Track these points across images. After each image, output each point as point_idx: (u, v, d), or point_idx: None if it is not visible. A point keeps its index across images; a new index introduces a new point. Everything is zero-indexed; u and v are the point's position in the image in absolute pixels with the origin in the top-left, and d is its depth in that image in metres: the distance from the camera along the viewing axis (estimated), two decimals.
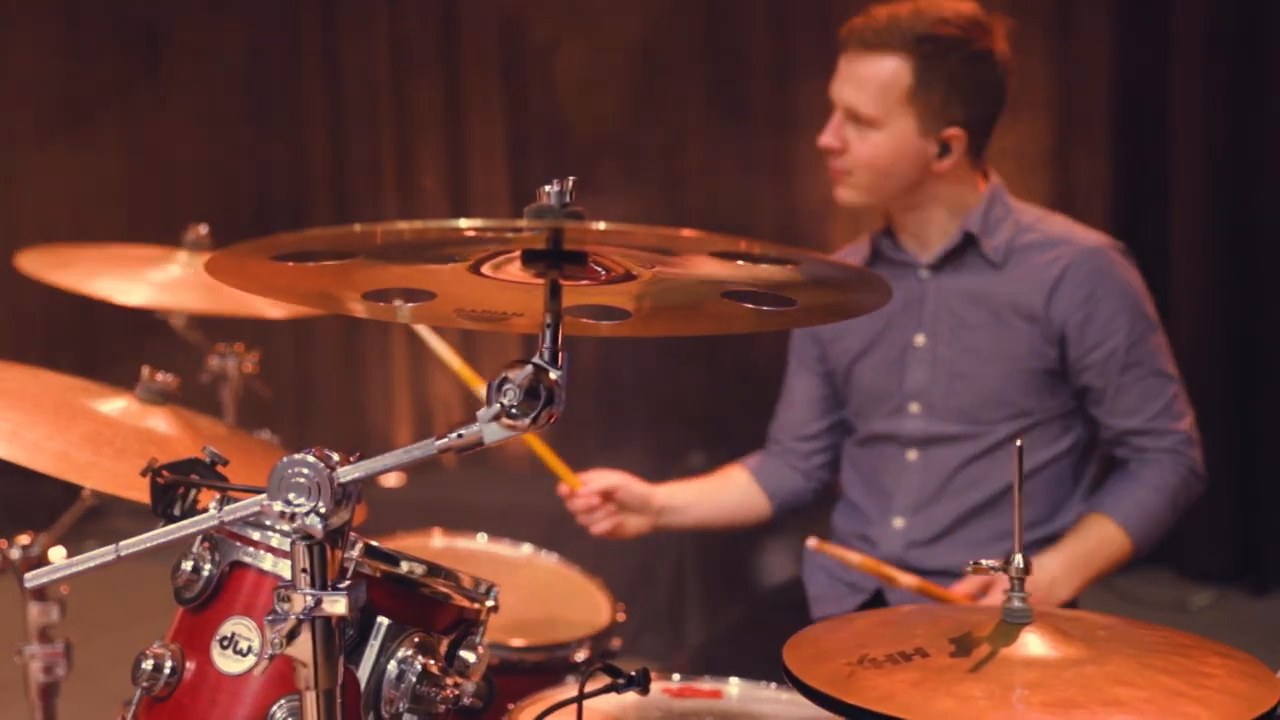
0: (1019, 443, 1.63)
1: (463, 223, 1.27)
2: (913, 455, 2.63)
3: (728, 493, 2.85)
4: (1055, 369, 2.54)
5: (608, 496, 2.65)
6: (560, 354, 1.36)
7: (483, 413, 1.34)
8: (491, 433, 1.35)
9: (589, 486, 2.63)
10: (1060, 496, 2.60)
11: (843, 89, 2.55)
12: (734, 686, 2.16)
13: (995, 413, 2.55)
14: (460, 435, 1.35)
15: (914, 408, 2.61)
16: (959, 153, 2.53)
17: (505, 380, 1.33)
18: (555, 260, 1.39)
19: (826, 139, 2.59)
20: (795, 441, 2.84)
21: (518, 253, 1.41)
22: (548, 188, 1.34)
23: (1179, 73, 5.11)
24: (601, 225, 1.27)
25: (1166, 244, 5.12)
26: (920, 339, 2.61)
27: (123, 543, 1.43)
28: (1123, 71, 5.21)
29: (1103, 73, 5.22)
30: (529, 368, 1.33)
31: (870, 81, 2.50)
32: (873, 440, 2.68)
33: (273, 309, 2.77)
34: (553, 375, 1.34)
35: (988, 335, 2.56)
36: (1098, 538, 2.50)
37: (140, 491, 1.82)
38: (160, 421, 2.35)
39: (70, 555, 1.58)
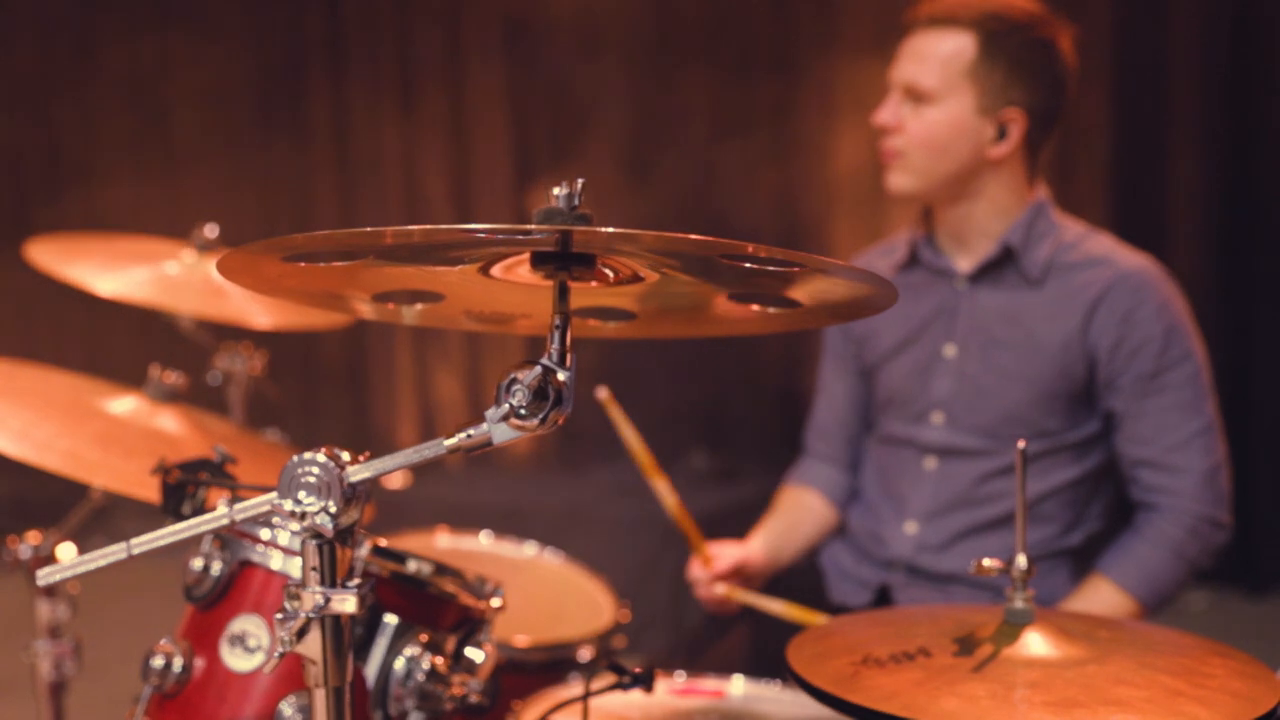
0: (1021, 444, 1.64)
1: (472, 225, 1.29)
2: (931, 463, 2.61)
3: (808, 522, 2.80)
4: (1082, 393, 2.50)
5: (737, 573, 2.62)
6: (568, 355, 1.38)
7: (491, 413, 1.35)
8: (500, 433, 1.36)
9: (719, 566, 2.58)
10: (1072, 518, 2.56)
11: (903, 66, 2.56)
12: (738, 685, 2.17)
13: (1016, 431, 2.51)
14: (469, 435, 1.36)
15: (936, 418, 2.60)
16: (1015, 139, 2.51)
17: (514, 381, 1.34)
18: (564, 262, 1.40)
19: (883, 116, 2.57)
20: (843, 445, 2.82)
21: (526, 255, 1.42)
22: (556, 190, 1.35)
23: (1178, 73, 5.13)
24: (610, 230, 1.28)
25: (1164, 242, 5.13)
26: (949, 350, 2.60)
27: (134, 540, 1.44)
28: (1121, 73, 5.22)
29: (1102, 77, 5.23)
30: (538, 369, 1.34)
31: (933, 55, 2.51)
32: (892, 441, 2.68)
33: (263, 319, 2.76)
34: (561, 376, 1.35)
35: (1017, 355, 2.53)
36: (1090, 600, 2.45)
37: (149, 490, 1.84)
38: (169, 420, 2.37)
39: (79, 554, 1.60)
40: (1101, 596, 2.45)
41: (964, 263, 2.61)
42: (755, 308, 1.58)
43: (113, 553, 1.46)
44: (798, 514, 2.82)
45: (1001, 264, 2.57)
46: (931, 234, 2.65)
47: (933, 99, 2.51)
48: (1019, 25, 2.50)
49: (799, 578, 2.77)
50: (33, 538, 2.37)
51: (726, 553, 2.61)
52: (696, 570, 2.60)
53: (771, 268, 1.37)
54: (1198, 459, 2.46)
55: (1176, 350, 2.47)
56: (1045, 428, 2.51)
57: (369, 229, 1.29)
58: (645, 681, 1.85)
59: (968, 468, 2.57)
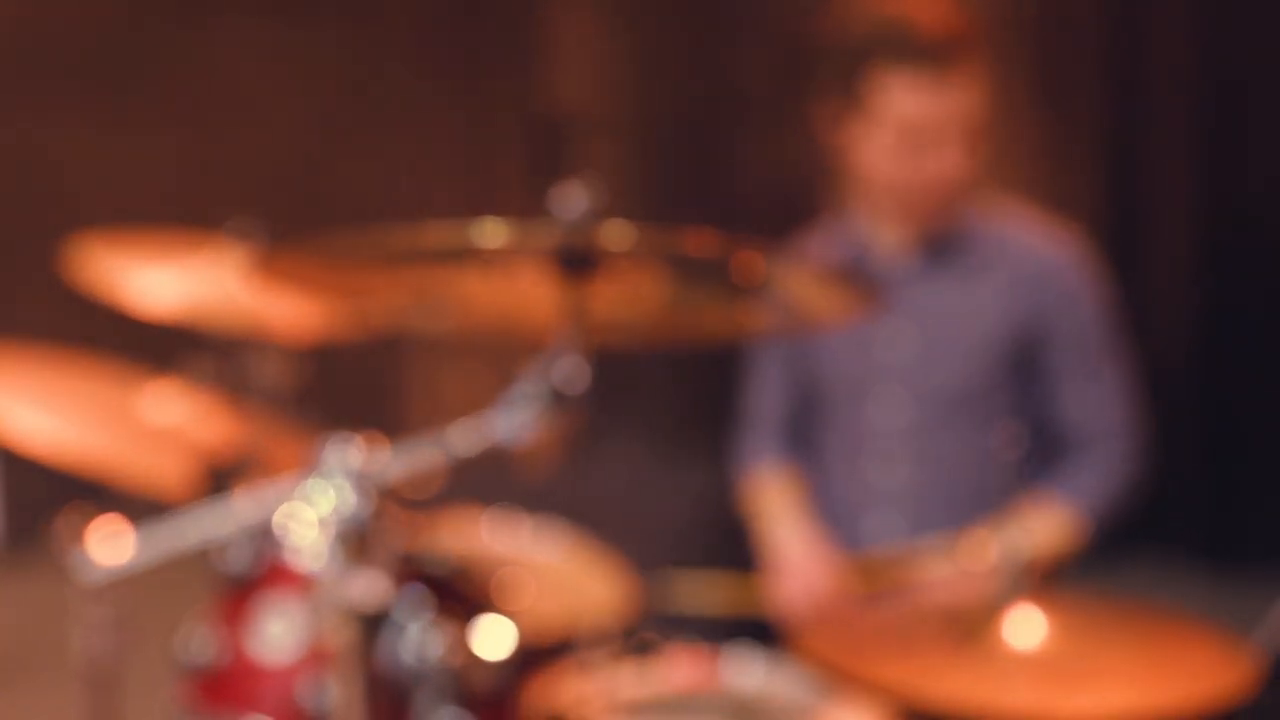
0: (1004, 435, 1.70)
1: (488, 230, 1.34)
2: (885, 446, 2.64)
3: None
4: (1019, 365, 2.57)
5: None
6: (583, 356, 1.43)
7: (507, 412, 1.41)
8: (516, 433, 1.41)
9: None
10: (1011, 489, 2.62)
11: (938, 102, 2.40)
12: (749, 668, 2.21)
13: (964, 406, 2.58)
14: (487, 435, 1.42)
15: (883, 398, 2.63)
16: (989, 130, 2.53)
17: (530, 381, 1.40)
18: (579, 264, 1.45)
19: (933, 168, 2.43)
20: (788, 423, 2.83)
21: (541, 257, 1.47)
22: (570, 192, 1.40)
23: (1162, 70, 5.15)
24: (623, 234, 1.33)
25: (1146, 218, 5.15)
26: (892, 328, 2.62)
27: (176, 533, 1.50)
28: (1110, 69, 5.24)
29: (1091, 71, 5.25)
30: (554, 369, 1.40)
31: (961, 78, 2.40)
32: (841, 431, 2.70)
33: (291, 319, 2.76)
34: (576, 377, 1.40)
35: (958, 328, 2.59)
36: (1040, 513, 2.51)
37: (182, 484, 1.91)
38: (201, 413, 2.42)
39: (123, 536, 1.65)
40: (1050, 510, 2.51)
41: (902, 239, 2.60)
42: (765, 310, 1.63)
43: (156, 546, 1.52)
44: (803, 494, 2.76)
45: (943, 241, 2.59)
46: (867, 216, 2.63)
47: (977, 133, 2.43)
48: (980, 30, 2.50)
49: None
50: (73, 521, 2.41)
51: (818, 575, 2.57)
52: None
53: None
54: (1125, 417, 2.59)
55: (1105, 322, 2.59)
56: (990, 402, 2.56)
57: (388, 232, 1.35)
58: (646, 647, 1.90)
59: (920, 447, 2.60)
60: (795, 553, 2.59)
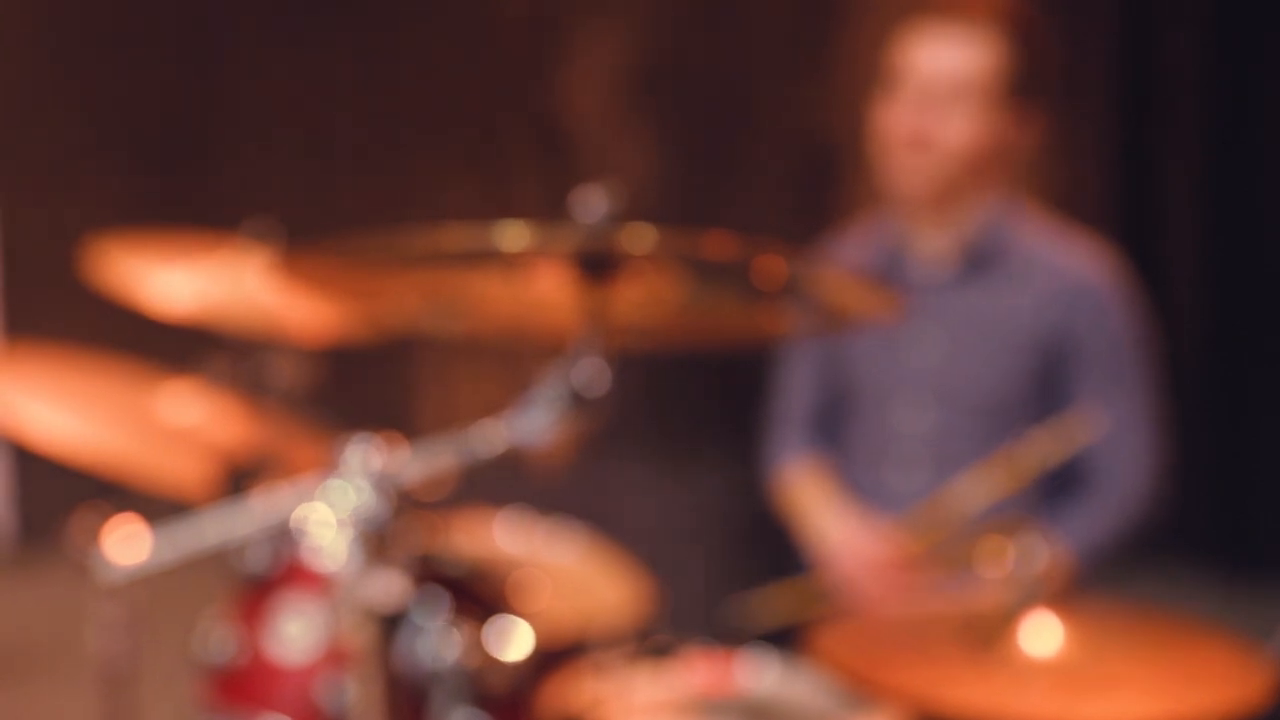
0: (1010, 441, 1.71)
1: (508, 233, 1.35)
2: (906, 450, 2.64)
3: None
4: (1044, 380, 2.55)
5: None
6: (604, 358, 1.43)
7: (526, 415, 1.41)
8: (538, 436, 1.42)
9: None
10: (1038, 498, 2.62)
11: (946, 58, 2.41)
12: (764, 670, 2.22)
13: (986, 415, 2.57)
14: (505, 437, 1.42)
15: (907, 402, 2.63)
16: (1029, 128, 2.51)
17: (550, 383, 1.41)
18: (599, 267, 1.46)
19: (930, 126, 2.43)
20: (817, 425, 2.83)
21: (562, 260, 1.47)
22: (589, 195, 1.41)
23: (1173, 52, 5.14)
24: (644, 236, 1.33)
25: (1157, 224, 5.14)
26: (921, 332, 2.62)
27: (194, 533, 1.51)
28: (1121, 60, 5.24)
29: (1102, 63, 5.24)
30: (574, 372, 1.40)
31: (979, 44, 2.41)
32: (865, 434, 2.69)
33: (304, 320, 2.77)
34: (596, 380, 1.41)
35: (987, 337, 2.58)
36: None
37: (199, 484, 1.92)
38: (219, 413, 2.43)
39: (134, 545, 1.66)
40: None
41: (939, 246, 2.61)
42: (789, 310, 1.63)
43: (175, 546, 1.53)
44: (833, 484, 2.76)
45: (975, 250, 2.58)
46: (900, 217, 2.62)
47: (982, 97, 2.43)
48: (1025, 17, 2.49)
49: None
50: (90, 521, 2.42)
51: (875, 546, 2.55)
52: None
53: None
54: (1142, 440, 2.55)
55: (1137, 345, 2.56)
56: (1014, 416, 2.55)
57: (407, 234, 1.35)
58: (662, 649, 1.91)
59: (944, 455, 2.59)
60: (844, 536, 2.57)
